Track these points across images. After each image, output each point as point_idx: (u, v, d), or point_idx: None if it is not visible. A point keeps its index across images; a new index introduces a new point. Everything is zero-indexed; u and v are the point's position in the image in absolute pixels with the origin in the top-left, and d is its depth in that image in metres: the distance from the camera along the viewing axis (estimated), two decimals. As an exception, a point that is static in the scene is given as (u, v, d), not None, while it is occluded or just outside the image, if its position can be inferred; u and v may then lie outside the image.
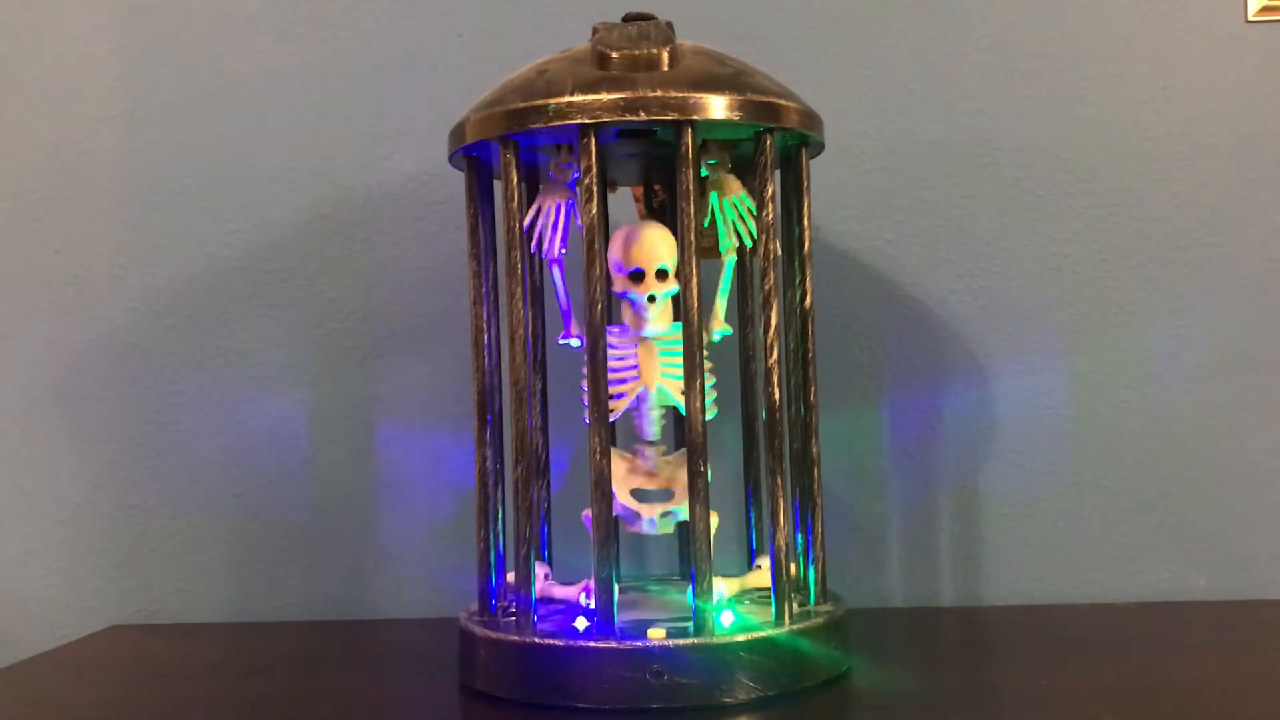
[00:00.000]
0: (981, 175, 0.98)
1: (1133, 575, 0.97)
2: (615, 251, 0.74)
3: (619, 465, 0.75)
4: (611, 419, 0.72)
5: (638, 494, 0.76)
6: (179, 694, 0.77)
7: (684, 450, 0.71)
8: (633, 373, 0.75)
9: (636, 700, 0.67)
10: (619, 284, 0.74)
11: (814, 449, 0.77)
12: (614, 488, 0.71)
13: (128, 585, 1.01)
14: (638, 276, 0.73)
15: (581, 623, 0.71)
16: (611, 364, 0.72)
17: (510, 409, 0.72)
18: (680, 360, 0.72)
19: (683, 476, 0.73)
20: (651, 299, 0.74)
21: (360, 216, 1.00)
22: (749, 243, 0.75)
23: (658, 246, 0.74)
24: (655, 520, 0.75)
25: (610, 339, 0.73)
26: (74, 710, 0.74)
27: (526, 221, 0.73)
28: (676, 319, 0.75)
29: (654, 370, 0.75)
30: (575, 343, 0.77)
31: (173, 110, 1.01)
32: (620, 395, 0.75)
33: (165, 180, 1.01)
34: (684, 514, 0.73)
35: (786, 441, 0.73)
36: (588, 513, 0.71)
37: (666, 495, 0.76)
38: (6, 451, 1.02)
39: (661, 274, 0.73)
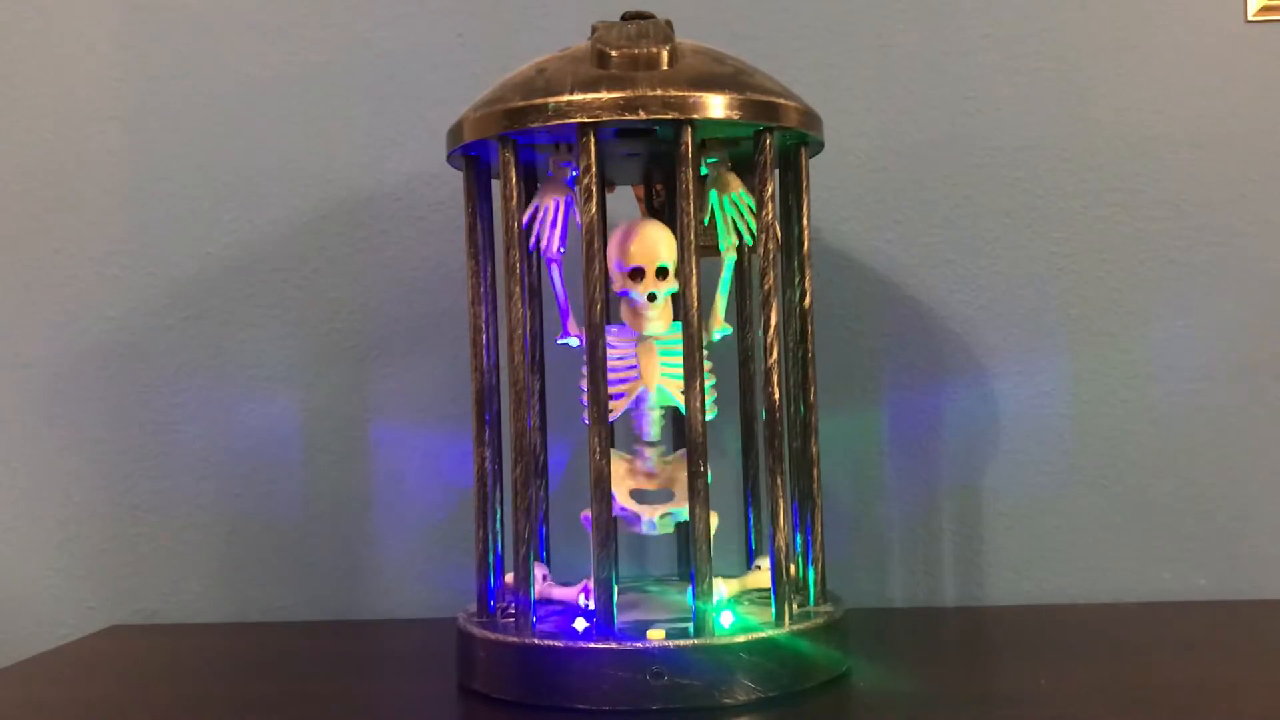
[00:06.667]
0: (981, 175, 0.98)
1: (1133, 575, 0.96)
2: (614, 249, 0.74)
3: (618, 466, 0.74)
4: (611, 419, 0.71)
5: (637, 495, 0.75)
6: (179, 694, 0.77)
7: (683, 451, 0.71)
8: (632, 373, 0.74)
9: (636, 701, 0.67)
10: (618, 282, 0.74)
11: (814, 449, 0.77)
12: (613, 489, 0.71)
13: (128, 585, 1.01)
14: (637, 275, 0.73)
15: (581, 623, 0.71)
16: (611, 364, 0.72)
17: (509, 409, 0.72)
18: (680, 360, 0.72)
19: (682, 477, 0.73)
20: (651, 297, 0.73)
21: (360, 216, 1.00)
22: (749, 240, 0.75)
23: (658, 244, 0.73)
24: (655, 521, 0.74)
25: (610, 339, 0.72)
26: (74, 710, 0.74)
27: (524, 219, 0.73)
28: (676, 318, 0.75)
29: (654, 370, 0.74)
30: (574, 342, 0.76)
31: (173, 111, 1.01)
32: (620, 395, 0.74)
33: (165, 180, 1.01)
34: (683, 515, 0.73)
35: (786, 441, 0.73)
36: (587, 513, 0.71)
37: (666, 496, 0.76)
38: (6, 451, 1.02)
39: (662, 272, 0.73)
